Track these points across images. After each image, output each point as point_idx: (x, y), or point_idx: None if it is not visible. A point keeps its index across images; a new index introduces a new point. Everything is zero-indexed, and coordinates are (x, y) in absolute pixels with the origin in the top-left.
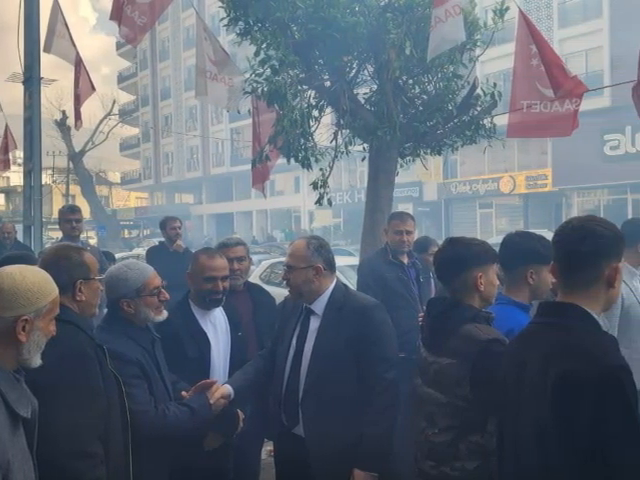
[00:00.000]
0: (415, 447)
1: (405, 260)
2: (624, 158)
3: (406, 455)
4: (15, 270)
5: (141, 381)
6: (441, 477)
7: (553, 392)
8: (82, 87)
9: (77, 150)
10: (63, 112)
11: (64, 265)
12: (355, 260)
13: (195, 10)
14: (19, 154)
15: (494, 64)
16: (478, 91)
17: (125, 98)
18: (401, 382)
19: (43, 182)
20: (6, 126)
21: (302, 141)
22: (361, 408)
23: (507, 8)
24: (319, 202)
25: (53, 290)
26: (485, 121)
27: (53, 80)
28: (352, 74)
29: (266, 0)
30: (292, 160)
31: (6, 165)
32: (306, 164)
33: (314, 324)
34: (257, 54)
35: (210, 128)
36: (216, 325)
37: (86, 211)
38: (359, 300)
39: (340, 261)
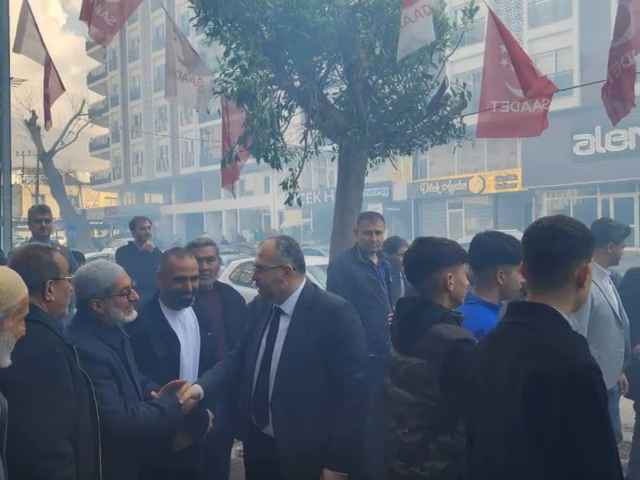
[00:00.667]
0: (385, 447)
1: (375, 260)
2: (594, 158)
3: (376, 455)
4: None
5: (110, 381)
6: (411, 477)
7: (523, 392)
8: (52, 87)
9: (47, 150)
10: (33, 112)
11: (34, 265)
12: (325, 260)
13: (165, 10)
14: None
15: (464, 64)
16: (448, 91)
17: (95, 98)
18: (371, 382)
19: (13, 182)
20: None
21: (272, 141)
22: (331, 408)
23: (477, 8)
24: (289, 202)
25: (23, 290)
26: (455, 121)
27: (23, 80)
28: (322, 74)
29: (235, 0)
30: (262, 160)
31: None
32: (276, 164)
33: (284, 324)
34: (227, 54)
35: (180, 128)
36: (186, 325)
37: (56, 211)
38: (329, 300)
39: (310, 261)
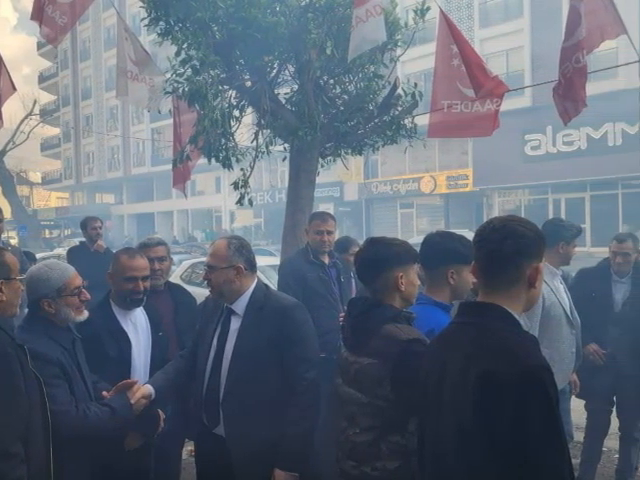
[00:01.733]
0: (336, 447)
1: (326, 260)
2: (545, 158)
3: (327, 455)
4: None
5: (62, 381)
6: (362, 477)
7: (474, 392)
8: (3, 87)
9: None
10: None
11: None
12: (276, 260)
13: (116, 10)
14: None
15: (415, 64)
16: (399, 91)
17: (46, 98)
18: (322, 382)
19: None
20: None
21: (223, 141)
22: (282, 408)
23: (428, 8)
24: (240, 202)
25: None
26: (406, 121)
27: None
28: (273, 74)
29: (187, 0)
30: (213, 160)
31: None
32: (227, 164)
33: (235, 324)
34: (178, 54)
35: (131, 128)
36: (137, 325)
37: (7, 211)
38: (280, 300)
39: (261, 261)
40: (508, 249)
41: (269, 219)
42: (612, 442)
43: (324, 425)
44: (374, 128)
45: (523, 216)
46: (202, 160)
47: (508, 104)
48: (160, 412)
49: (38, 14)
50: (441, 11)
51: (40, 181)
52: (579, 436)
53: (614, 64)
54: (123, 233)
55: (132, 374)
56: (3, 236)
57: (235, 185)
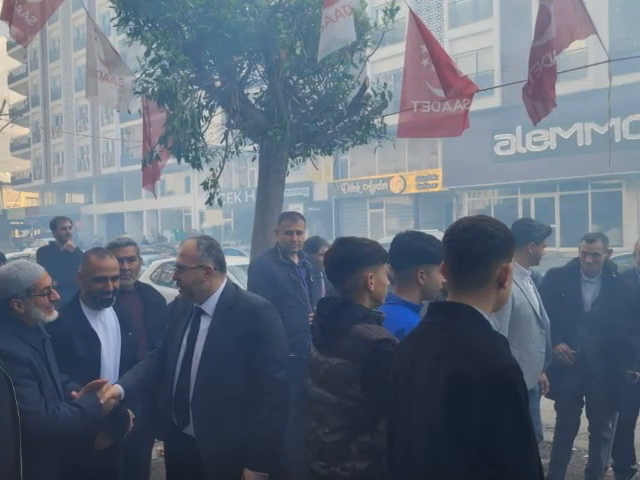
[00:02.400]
0: (306, 447)
1: (296, 260)
2: (514, 158)
3: (297, 455)
4: None
5: (31, 381)
6: (332, 477)
7: (444, 392)
8: None
9: None
10: None
11: None
12: (245, 260)
13: (85, 10)
14: None
15: (385, 64)
16: (369, 91)
17: (16, 98)
18: (291, 382)
19: None
20: None
21: (192, 141)
22: (251, 408)
23: (397, 8)
24: (209, 202)
25: None
26: (375, 121)
27: None
28: (242, 74)
29: (156, 0)
30: (182, 160)
31: None
32: (196, 164)
33: (205, 324)
34: (147, 54)
35: (101, 128)
36: (107, 325)
37: None
38: (249, 300)
39: (230, 261)
40: (477, 249)
41: (238, 219)
42: (582, 442)
43: (294, 425)
44: (344, 128)
45: (493, 216)
46: (172, 160)
47: (478, 104)
48: (130, 412)
49: (8, 14)
50: (410, 11)
51: (9, 181)
52: (549, 436)
53: (584, 64)
54: (93, 233)
55: (102, 374)
56: None
57: (205, 185)
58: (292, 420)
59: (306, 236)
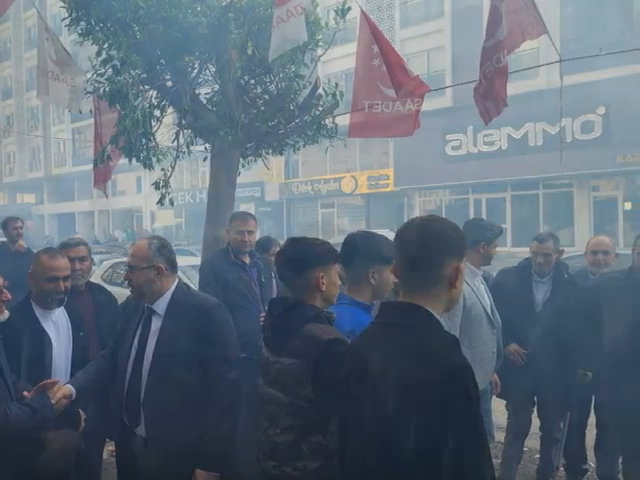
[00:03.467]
0: (257, 447)
1: (247, 260)
2: (466, 158)
3: (248, 455)
4: None
5: None
6: (283, 477)
7: (395, 393)
8: None
9: None
10: None
11: None
12: (197, 260)
13: (37, 10)
14: None
15: (336, 64)
16: (320, 91)
17: None
18: (242, 382)
19: None
20: None
21: (144, 141)
22: (203, 408)
23: (349, 8)
24: (161, 202)
25: None
26: (327, 121)
27: None
28: (194, 74)
29: (108, 0)
30: (134, 160)
31: None
32: (148, 164)
33: (156, 324)
34: (99, 54)
35: (52, 128)
36: (58, 325)
37: None
38: (200, 300)
39: (182, 261)
40: (429, 249)
41: (190, 219)
42: (533, 442)
43: (245, 425)
44: (295, 128)
45: (444, 216)
46: (123, 160)
47: (429, 104)
48: (81, 412)
49: None
50: (362, 11)
51: None
52: (500, 436)
53: (535, 64)
54: (44, 233)
55: (53, 374)
56: None
57: (156, 185)
58: (243, 420)
59: (257, 236)
